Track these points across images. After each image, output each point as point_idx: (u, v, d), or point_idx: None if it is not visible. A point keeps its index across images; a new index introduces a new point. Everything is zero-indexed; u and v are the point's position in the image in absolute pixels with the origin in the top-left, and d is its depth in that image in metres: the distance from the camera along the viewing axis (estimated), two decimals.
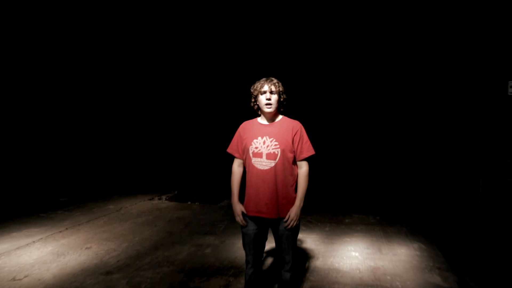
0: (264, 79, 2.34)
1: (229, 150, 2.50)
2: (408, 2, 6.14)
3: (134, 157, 9.61)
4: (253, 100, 2.39)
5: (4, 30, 6.83)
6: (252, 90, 2.37)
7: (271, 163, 2.27)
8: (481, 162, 2.84)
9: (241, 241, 4.22)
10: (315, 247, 4.09)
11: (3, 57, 7.07)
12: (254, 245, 2.37)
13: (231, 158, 2.51)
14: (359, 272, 3.42)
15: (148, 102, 9.64)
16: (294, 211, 2.28)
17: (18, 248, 3.99)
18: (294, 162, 2.36)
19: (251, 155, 2.32)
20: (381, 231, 4.74)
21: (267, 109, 2.31)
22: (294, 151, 2.32)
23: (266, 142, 2.30)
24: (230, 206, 6.15)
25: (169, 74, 9.33)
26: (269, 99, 2.28)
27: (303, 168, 2.36)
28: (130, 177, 8.89)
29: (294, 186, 2.35)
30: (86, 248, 4.04)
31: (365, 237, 4.48)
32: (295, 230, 2.36)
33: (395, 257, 3.80)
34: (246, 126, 2.44)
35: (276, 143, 2.29)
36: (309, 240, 4.29)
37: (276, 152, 2.27)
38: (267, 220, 2.33)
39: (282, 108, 2.43)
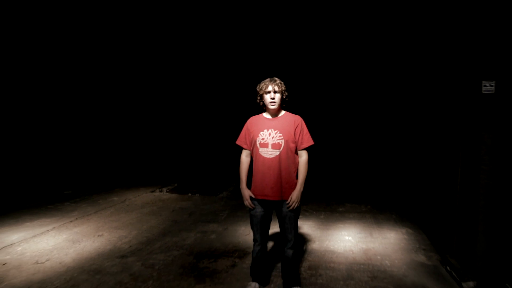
0: (268, 79, 2.65)
1: (238, 142, 2.81)
2: (391, 7, 6.51)
3: (134, 151, 9.85)
4: (258, 98, 2.71)
5: (6, 30, 6.99)
6: (258, 89, 2.68)
7: (276, 152, 2.59)
8: (460, 153, 3.19)
9: (242, 228, 4.57)
10: (312, 232, 4.44)
11: (11, 55, 7.24)
12: (261, 225, 2.69)
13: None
14: (352, 253, 3.76)
15: (146, 98, 9.87)
16: (295, 194, 2.61)
17: (34, 236, 4.26)
18: (296, 152, 2.68)
19: (258, 145, 2.64)
20: (372, 218, 5.10)
21: (271, 106, 2.63)
22: (295, 142, 2.65)
23: (272, 134, 2.62)
24: (229, 197, 6.48)
25: (167, 71, 9.56)
26: (273, 98, 2.61)
27: (303, 157, 2.69)
28: (130, 170, 9.14)
29: (295, 172, 2.68)
30: (98, 235, 4.32)
31: (357, 223, 4.83)
32: (297, 212, 2.69)
33: (385, 240, 4.16)
34: (253, 121, 2.75)
35: (280, 134, 2.61)
36: (306, 227, 4.63)
37: (280, 143, 2.60)
38: (272, 203, 2.66)
39: (284, 104, 2.75)
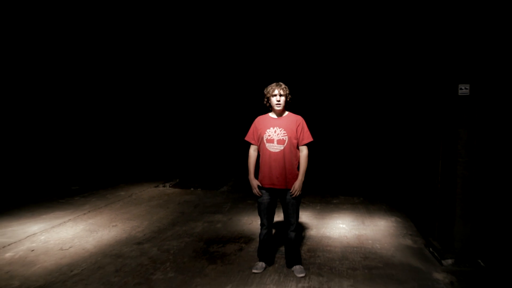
0: (274, 84, 3.05)
1: (246, 138, 3.20)
2: (373, 12, 7.00)
3: (136, 149, 10.18)
4: (265, 100, 3.10)
5: (11, 30, 7.22)
6: (265, 92, 3.07)
7: (281, 147, 3.00)
8: (441, 147, 3.61)
9: (245, 218, 4.97)
10: (309, 221, 4.85)
11: (20, 55, 7.50)
12: (267, 211, 3.10)
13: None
14: (346, 238, 4.18)
15: (146, 98, 10.19)
16: (297, 184, 3.01)
17: (53, 227, 4.59)
18: (297, 147, 3.08)
19: (265, 141, 3.03)
20: (364, 208, 5.53)
21: (277, 108, 3.03)
22: (297, 138, 3.05)
23: (277, 131, 3.02)
24: (230, 191, 6.87)
25: (168, 73, 9.89)
26: (279, 100, 3.01)
27: (303, 152, 3.09)
28: (133, 167, 9.46)
29: (297, 165, 3.08)
30: (112, 226, 4.67)
31: (351, 213, 5.26)
32: (298, 199, 3.09)
33: (376, 227, 4.59)
34: (260, 120, 3.15)
35: (284, 132, 3.01)
36: (303, 216, 5.04)
37: (284, 139, 3.00)
38: (277, 191, 3.06)
39: (287, 105, 3.15)
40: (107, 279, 3.10)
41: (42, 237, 4.18)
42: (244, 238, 4.17)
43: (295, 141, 3.04)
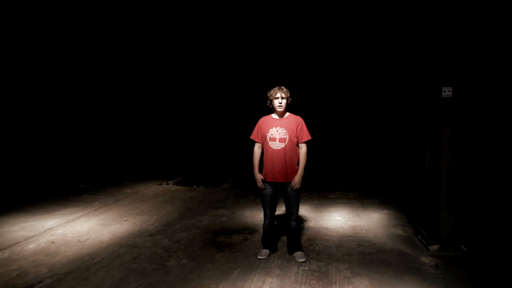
0: (277, 88, 3.38)
1: (251, 137, 3.54)
2: (360, 17, 7.39)
3: (139, 148, 10.47)
4: (268, 102, 3.43)
5: (12, 29, 7.43)
6: (268, 95, 3.41)
7: (282, 145, 3.33)
8: (427, 144, 3.97)
9: (248, 212, 5.30)
10: (308, 214, 5.19)
11: (25, 55, 7.77)
12: (270, 202, 3.43)
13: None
14: (342, 229, 4.53)
15: (148, 97, 10.48)
16: (297, 177, 3.35)
17: (68, 222, 4.90)
18: (297, 145, 3.42)
19: (268, 139, 3.37)
20: (359, 203, 5.88)
21: (279, 109, 3.37)
22: (297, 137, 3.38)
23: (279, 131, 3.35)
24: (231, 188, 7.19)
25: (169, 72, 10.18)
26: (281, 103, 3.34)
27: (303, 149, 3.43)
28: (136, 166, 9.76)
29: (297, 161, 3.42)
30: (124, 220, 4.98)
31: (346, 207, 5.61)
32: (298, 191, 3.43)
33: (370, 219, 4.95)
34: (264, 120, 3.49)
35: (285, 131, 3.35)
36: (302, 210, 5.38)
37: (286, 137, 3.33)
38: (280, 184, 3.40)
39: (288, 107, 3.48)
40: (126, 266, 3.42)
41: (60, 231, 4.48)
42: (248, 230, 4.50)
43: (295, 140, 3.37)
